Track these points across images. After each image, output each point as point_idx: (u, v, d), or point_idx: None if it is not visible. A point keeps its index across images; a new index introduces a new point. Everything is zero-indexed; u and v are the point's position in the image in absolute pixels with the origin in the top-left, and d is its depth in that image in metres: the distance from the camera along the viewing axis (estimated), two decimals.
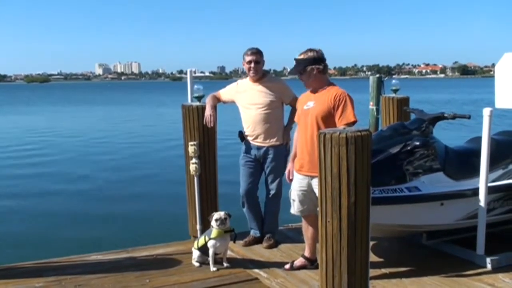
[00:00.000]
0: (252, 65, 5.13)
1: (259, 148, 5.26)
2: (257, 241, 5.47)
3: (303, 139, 4.39)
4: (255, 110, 5.17)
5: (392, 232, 5.03)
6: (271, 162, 5.25)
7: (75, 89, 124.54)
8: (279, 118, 5.26)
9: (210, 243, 4.77)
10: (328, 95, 4.27)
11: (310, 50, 4.36)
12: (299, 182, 4.51)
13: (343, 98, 4.20)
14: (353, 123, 4.11)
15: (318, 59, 4.34)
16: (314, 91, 4.43)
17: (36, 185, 12.45)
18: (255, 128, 5.21)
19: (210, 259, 4.78)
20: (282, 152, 5.23)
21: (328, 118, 4.21)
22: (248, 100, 5.23)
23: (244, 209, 5.48)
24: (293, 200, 4.61)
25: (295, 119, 4.64)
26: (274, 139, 5.21)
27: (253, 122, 5.20)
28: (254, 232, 5.53)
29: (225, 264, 4.85)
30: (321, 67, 4.34)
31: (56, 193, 11.60)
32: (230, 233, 4.89)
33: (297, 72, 4.39)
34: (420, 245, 5.04)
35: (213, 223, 4.80)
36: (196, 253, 4.91)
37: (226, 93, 5.44)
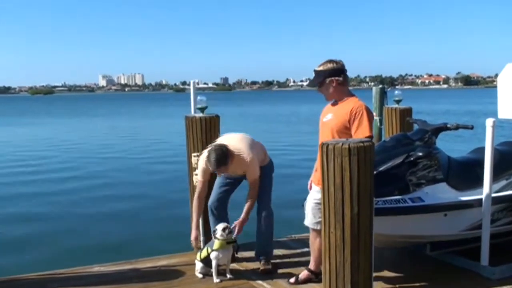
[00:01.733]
0: (220, 174, 5.04)
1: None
2: None
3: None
4: (231, 185, 5.17)
5: (396, 243, 5.01)
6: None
7: (79, 101, 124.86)
8: (257, 159, 5.02)
9: (213, 255, 4.77)
10: (346, 108, 4.18)
11: (330, 61, 4.26)
12: (315, 194, 4.44)
13: (360, 111, 4.10)
14: (369, 137, 3.92)
15: (338, 70, 4.24)
16: (335, 103, 4.35)
17: (38, 196, 12.46)
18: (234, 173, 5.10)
19: (213, 270, 4.78)
20: (266, 169, 5.10)
21: (343, 131, 4.12)
22: (223, 179, 5.18)
23: (211, 219, 5.18)
24: (307, 212, 4.55)
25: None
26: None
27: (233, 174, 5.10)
28: None
29: (228, 276, 4.84)
30: (340, 79, 4.22)
31: (58, 204, 11.59)
32: (233, 244, 4.89)
33: (316, 84, 4.29)
34: (423, 256, 5.02)
35: (219, 233, 4.79)
36: (199, 265, 4.92)
37: (204, 174, 5.09)
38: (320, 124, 4.43)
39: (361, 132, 4.04)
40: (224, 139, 5.04)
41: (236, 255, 5.20)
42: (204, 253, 4.86)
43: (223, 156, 4.75)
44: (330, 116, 4.27)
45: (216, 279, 4.76)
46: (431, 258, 5.05)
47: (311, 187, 4.65)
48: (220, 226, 4.82)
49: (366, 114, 4.10)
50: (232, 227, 4.90)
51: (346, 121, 4.12)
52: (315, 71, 4.32)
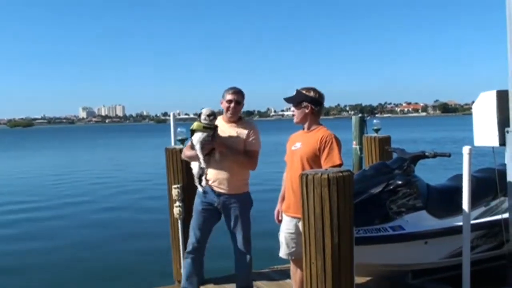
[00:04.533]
0: (232, 104, 4.72)
1: (220, 195, 4.73)
2: None
3: (289, 179, 4.39)
4: (224, 154, 4.69)
5: (377, 272, 5.01)
6: (236, 212, 4.76)
7: (59, 133, 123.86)
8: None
9: (195, 138, 4.60)
10: (315, 137, 4.28)
11: (314, 90, 4.40)
12: (286, 224, 4.46)
13: (329, 140, 4.20)
14: (339, 166, 4.04)
15: (317, 101, 4.37)
16: (302, 132, 4.45)
17: (11, 228, 12.27)
18: (220, 173, 4.71)
19: (199, 155, 4.61)
20: (247, 201, 4.84)
21: (314, 160, 4.20)
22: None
23: (188, 260, 4.90)
24: (281, 243, 4.53)
25: (285, 158, 4.55)
26: (239, 187, 4.77)
27: (219, 166, 4.70)
28: None
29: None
30: (316, 109, 4.37)
31: (33, 237, 11.40)
32: (210, 130, 4.62)
33: (292, 102, 4.41)
34: (405, 284, 5.01)
35: (202, 117, 4.60)
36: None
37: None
38: (288, 153, 4.50)
39: (331, 161, 4.12)
40: None
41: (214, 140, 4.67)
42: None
43: (244, 94, 4.82)
44: (299, 145, 4.35)
45: (203, 164, 4.61)
46: (413, 287, 5.05)
47: (277, 217, 4.67)
48: (205, 111, 4.63)
49: (336, 143, 4.20)
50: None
51: (316, 149, 4.20)
52: (297, 90, 4.42)
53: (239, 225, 4.77)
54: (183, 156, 4.98)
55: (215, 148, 4.64)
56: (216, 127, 4.66)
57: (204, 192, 4.78)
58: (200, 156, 4.60)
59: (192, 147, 4.70)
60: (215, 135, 4.63)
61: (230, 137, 4.72)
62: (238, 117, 4.83)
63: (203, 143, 4.59)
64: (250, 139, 4.75)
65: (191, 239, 4.87)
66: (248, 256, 4.86)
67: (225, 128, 4.75)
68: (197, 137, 4.61)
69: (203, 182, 4.75)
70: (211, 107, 4.69)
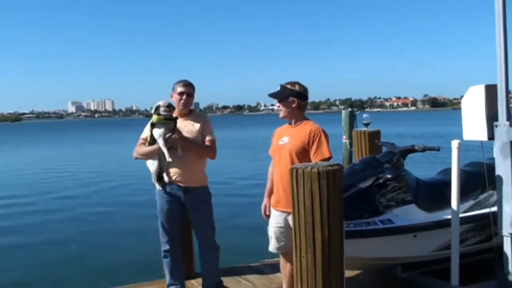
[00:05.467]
0: (184, 97, 4.67)
1: (186, 189, 4.67)
2: None
3: (278, 174, 4.38)
4: (186, 147, 4.64)
5: (367, 265, 5.02)
6: (204, 205, 4.76)
7: (48, 128, 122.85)
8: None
9: (156, 133, 4.51)
10: (303, 130, 4.29)
11: (298, 83, 4.40)
12: (275, 218, 4.46)
13: (317, 134, 4.22)
14: (328, 159, 4.09)
15: (303, 95, 4.38)
16: (288, 126, 4.45)
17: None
18: (178, 167, 4.65)
19: (163, 149, 4.49)
20: (207, 194, 4.81)
21: (303, 154, 4.21)
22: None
23: (167, 259, 4.84)
24: (270, 237, 4.54)
25: (270, 152, 4.57)
26: (201, 180, 4.77)
27: (180, 160, 4.60)
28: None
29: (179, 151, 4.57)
30: (302, 103, 4.38)
31: (28, 231, 11.34)
32: (172, 121, 4.58)
33: (278, 98, 4.41)
34: (395, 277, 5.04)
35: (161, 109, 4.54)
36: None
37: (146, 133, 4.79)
38: (274, 147, 4.50)
39: (320, 154, 4.14)
40: None
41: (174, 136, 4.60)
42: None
43: (194, 86, 4.78)
44: (287, 139, 4.35)
45: (169, 158, 4.48)
46: (403, 280, 5.07)
47: (265, 212, 4.67)
48: (163, 103, 4.57)
49: (324, 136, 4.22)
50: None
51: (305, 143, 4.22)
52: (281, 85, 4.42)
53: (208, 218, 4.78)
54: (136, 155, 4.84)
55: (177, 141, 4.56)
56: (176, 118, 4.63)
57: (165, 190, 4.71)
58: (165, 150, 4.51)
59: (151, 142, 4.63)
60: (175, 128, 4.59)
61: (187, 129, 4.68)
62: (189, 110, 4.80)
63: (165, 137, 4.52)
64: (206, 129, 4.75)
65: (164, 238, 4.82)
66: (217, 249, 4.87)
67: (179, 122, 4.69)
68: (159, 131, 4.53)
69: (165, 179, 4.70)
70: (166, 100, 4.64)
